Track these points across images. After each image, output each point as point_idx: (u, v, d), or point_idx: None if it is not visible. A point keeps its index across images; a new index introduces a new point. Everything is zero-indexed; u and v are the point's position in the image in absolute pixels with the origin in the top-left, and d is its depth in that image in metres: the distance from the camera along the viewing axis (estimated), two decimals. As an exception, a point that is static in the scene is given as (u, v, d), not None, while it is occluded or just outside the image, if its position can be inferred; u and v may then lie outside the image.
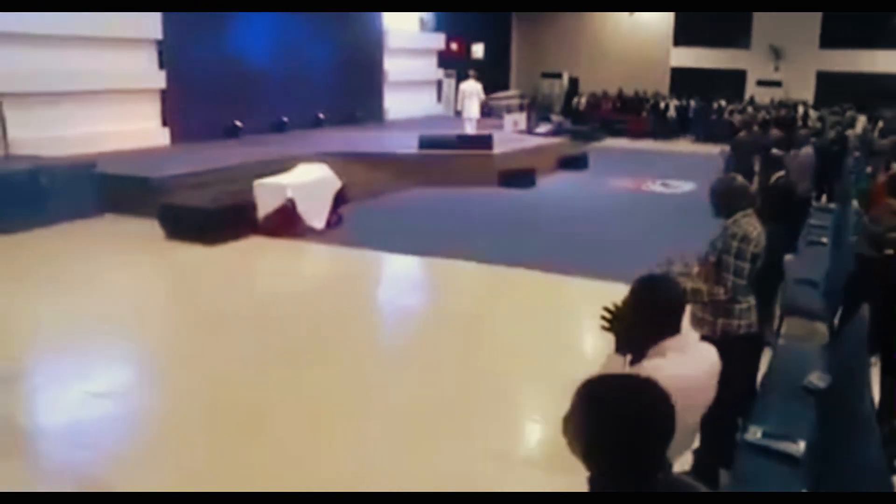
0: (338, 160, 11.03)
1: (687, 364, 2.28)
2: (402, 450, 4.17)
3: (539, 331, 6.12)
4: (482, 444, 4.23)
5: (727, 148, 11.42)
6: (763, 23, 23.25)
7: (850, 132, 13.26)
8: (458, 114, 16.11)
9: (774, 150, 7.76)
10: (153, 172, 9.94)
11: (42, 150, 10.13)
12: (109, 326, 6.02)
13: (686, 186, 13.10)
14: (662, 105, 23.40)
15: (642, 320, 2.34)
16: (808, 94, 22.80)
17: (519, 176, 12.78)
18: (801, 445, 2.72)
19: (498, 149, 13.36)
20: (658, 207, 11.71)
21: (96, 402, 4.65)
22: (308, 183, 9.29)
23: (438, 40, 20.75)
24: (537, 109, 21.77)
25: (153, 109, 12.95)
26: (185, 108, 12.97)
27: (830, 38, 22.50)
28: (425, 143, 12.98)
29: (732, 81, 24.03)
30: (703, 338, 3.30)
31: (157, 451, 4.14)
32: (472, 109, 15.18)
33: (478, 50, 22.87)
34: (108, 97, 11.82)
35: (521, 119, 18.36)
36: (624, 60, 25.03)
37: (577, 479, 1.55)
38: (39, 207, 8.90)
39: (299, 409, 4.63)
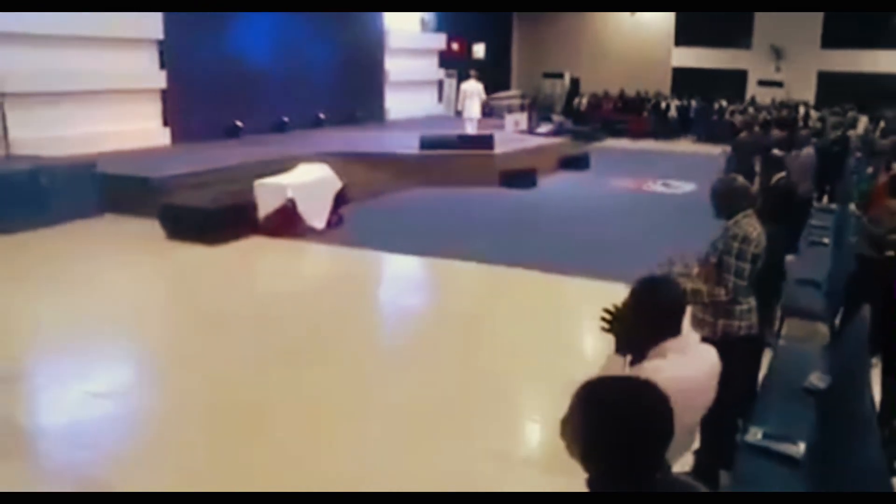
0: (338, 160, 11.03)
1: (687, 365, 2.27)
2: (402, 450, 4.17)
3: (539, 331, 6.12)
4: (482, 444, 4.23)
5: (728, 148, 11.41)
6: (764, 23, 23.23)
7: (851, 132, 13.25)
8: (459, 114, 16.09)
9: (775, 151, 7.74)
10: (154, 172, 9.94)
11: (43, 150, 10.13)
12: (110, 326, 6.02)
13: (687, 187, 13.09)
14: (663, 105, 23.39)
15: (643, 321, 2.34)
16: (810, 95, 22.77)
17: (520, 176, 12.77)
18: (802, 447, 2.72)
19: (499, 149, 13.35)
20: (659, 208, 11.70)
21: (96, 402, 4.65)
22: (309, 183, 9.29)
23: (439, 40, 20.74)
24: (538, 109, 21.76)
25: (154, 109, 12.95)
26: (185, 108, 12.97)
27: (832, 38, 22.48)
28: (426, 143, 12.97)
29: (733, 81, 24.01)
30: (704, 339, 3.30)
31: (157, 451, 4.13)
32: (473, 109, 15.17)
33: (479, 50, 22.87)
34: (109, 97, 11.82)
35: (522, 119, 18.35)
36: (625, 60, 25.02)
37: (576, 479, 1.55)
38: (40, 207, 8.90)
39: (299, 409, 4.63)
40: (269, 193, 9.00)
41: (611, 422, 1.47)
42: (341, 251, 8.64)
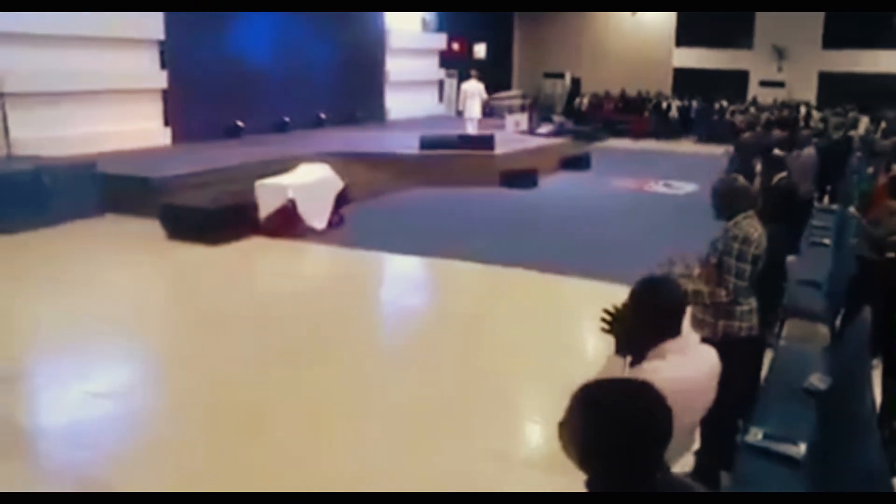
0: (339, 160, 11.03)
1: (687, 366, 2.27)
2: (402, 450, 4.17)
3: (539, 331, 6.12)
4: (482, 444, 4.23)
5: (731, 148, 11.40)
6: (765, 23, 23.22)
7: (853, 133, 13.24)
8: (460, 114, 16.10)
9: (776, 151, 7.74)
10: (154, 172, 9.95)
11: (44, 151, 10.15)
12: (110, 326, 6.02)
13: (688, 187, 13.08)
14: (665, 105, 23.39)
15: (643, 322, 2.33)
16: (811, 95, 22.77)
17: (521, 176, 12.76)
18: (802, 447, 2.72)
19: (500, 149, 13.35)
20: (660, 208, 11.70)
21: (96, 402, 4.66)
22: (309, 183, 9.29)
23: (440, 40, 20.75)
24: (539, 110, 21.78)
25: (155, 109, 12.96)
26: (186, 108, 12.97)
27: (833, 39, 22.47)
28: (427, 143, 12.97)
29: (735, 82, 24.00)
30: (704, 340, 3.30)
31: (157, 451, 4.13)
32: (474, 110, 15.17)
33: (480, 50, 22.88)
34: (110, 97, 11.83)
35: (522, 119, 18.36)
36: (626, 60, 25.01)
37: (576, 479, 1.55)
38: (41, 207, 8.91)
39: (299, 409, 4.63)
40: (270, 194, 9.00)
41: (608, 424, 1.47)
42: (341, 251, 8.64)
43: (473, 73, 15.75)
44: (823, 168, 9.01)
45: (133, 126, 12.31)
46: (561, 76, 25.80)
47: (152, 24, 12.31)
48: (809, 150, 8.42)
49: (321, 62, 16.19)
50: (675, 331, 2.33)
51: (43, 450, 4.25)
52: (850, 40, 21.92)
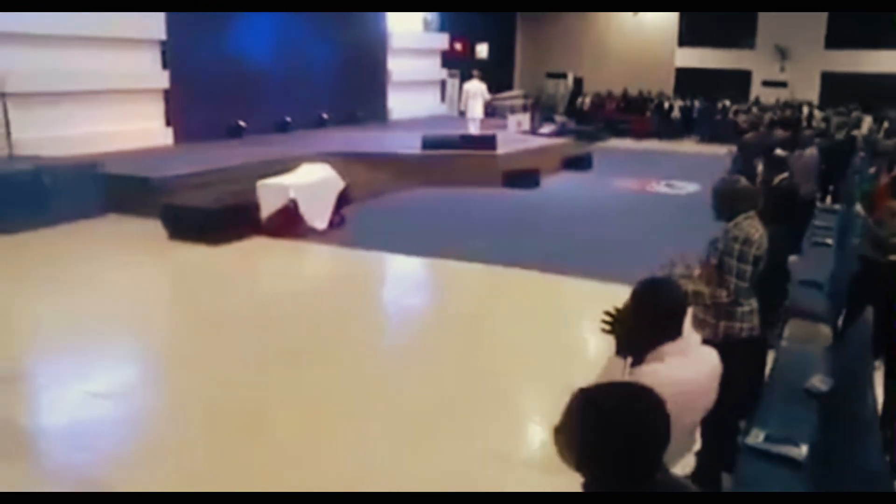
0: (340, 160, 11.03)
1: (687, 367, 2.26)
2: (402, 450, 4.16)
3: (540, 332, 6.11)
4: (482, 444, 4.22)
5: (735, 148, 11.38)
6: (768, 23, 23.19)
7: (856, 132, 13.21)
8: (462, 114, 16.08)
9: (778, 151, 7.72)
10: (156, 172, 9.94)
11: (45, 151, 10.15)
12: (110, 326, 6.02)
13: (690, 187, 13.06)
14: (667, 105, 23.37)
15: (644, 323, 2.32)
16: (813, 95, 22.73)
17: (523, 176, 12.75)
18: (803, 449, 2.71)
19: (502, 149, 13.34)
20: (662, 208, 11.68)
21: (96, 403, 4.65)
22: (311, 183, 9.29)
23: (442, 40, 20.74)
24: (541, 109, 21.77)
25: (156, 109, 12.96)
26: (188, 108, 12.97)
27: (836, 39, 22.44)
28: (429, 143, 12.96)
29: (737, 82, 23.97)
30: (705, 341, 3.29)
31: (157, 451, 4.13)
32: (476, 110, 15.16)
33: (482, 50, 22.87)
34: (111, 97, 11.83)
35: (524, 119, 18.34)
36: (628, 60, 24.99)
37: (576, 479, 1.54)
38: (42, 207, 8.91)
39: (299, 409, 4.62)
40: (271, 194, 9.00)
41: (606, 427, 1.46)
42: (342, 251, 8.63)
43: (475, 73, 15.75)
44: (826, 168, 9.00)
45: (134, 126, 12.32)
46: (563, 76, 25.78)
47: (154, 24, 12.31)
48: (812, 150, 8.40)
49: (323, 62, 16.19)
50: (675, 332, 2.32)
51: (43, 450, 4.24)
52: (853, 40, 21.88)
